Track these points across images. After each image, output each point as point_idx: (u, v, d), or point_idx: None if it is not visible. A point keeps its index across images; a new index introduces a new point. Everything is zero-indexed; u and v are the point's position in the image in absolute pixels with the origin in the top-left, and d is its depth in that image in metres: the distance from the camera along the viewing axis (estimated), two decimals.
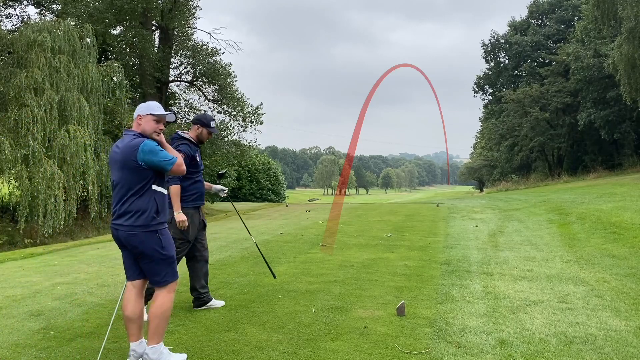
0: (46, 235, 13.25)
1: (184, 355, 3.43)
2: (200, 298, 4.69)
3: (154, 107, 3.41)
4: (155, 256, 3.28)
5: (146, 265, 3.31)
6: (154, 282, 3.35)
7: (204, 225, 4.76)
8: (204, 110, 24.77)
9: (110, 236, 12.86)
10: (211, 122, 4.67)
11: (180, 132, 4.62)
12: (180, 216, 4.36)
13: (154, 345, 3.28)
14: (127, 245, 3.31)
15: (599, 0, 23.62)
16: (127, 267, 3.42)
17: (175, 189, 4.35)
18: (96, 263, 7.68)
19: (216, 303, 4.76)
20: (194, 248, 4.68)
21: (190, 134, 4.61)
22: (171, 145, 4.23)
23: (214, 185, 5.03)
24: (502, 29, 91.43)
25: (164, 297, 3.33)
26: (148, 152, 3.22)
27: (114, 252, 8.98)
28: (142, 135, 3.34)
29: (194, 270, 4.73)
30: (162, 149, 3.33)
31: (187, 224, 4.39)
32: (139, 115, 3.38)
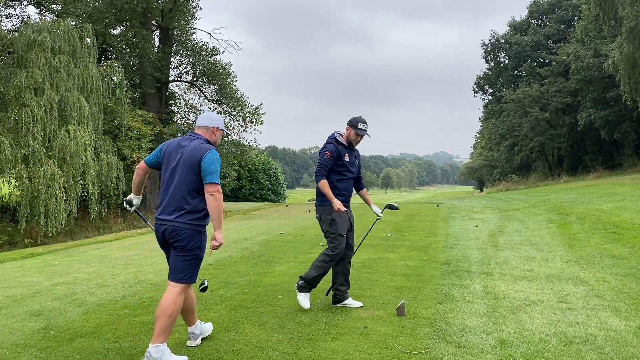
0: (49, 235, 13.26)
1: (185, 358, 3.44)
2: (335, 295, 4.75)
3: (223, 124, 3.76)
4: (191, 253, 3.40)
5: (178, 258, 3.41)
6: (174, 278, 3.41)
7: (352, 226, 4.78)
8: (204, 110, 24.71)
9: (110, 236, 12.88)
10: (359, 124, 4.61)
11: (337, 132, 4.74)
12: (337, 203, 4.48)
13: (158, 345, 3.29)
14: (171, 239, 3.39)
15: None
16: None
17: (322, 183, 4.56)
18: (96, 263, 7.68)
19: (352, 303, 4.72)
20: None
21: (344, 136, 4.70)
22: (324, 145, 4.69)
23: (373, 205, 4.97)
24: (502, 29, 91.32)
25: (175, 298, 3.37)
26: (215, 160, 3.41)
27: (114, 252, 8.98)
28: (210, 143, 3.59)
29: (336, 267, 4.77)
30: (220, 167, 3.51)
31: (343, 209, 4.48)
32: (217, 127, 3.66)
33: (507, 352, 3.50)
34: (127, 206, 3.86)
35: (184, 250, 3.39)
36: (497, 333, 3.91)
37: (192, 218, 3.39)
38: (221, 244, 3.40)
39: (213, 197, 3.34)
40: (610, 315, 4.35)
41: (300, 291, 4.61)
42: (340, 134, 4.71)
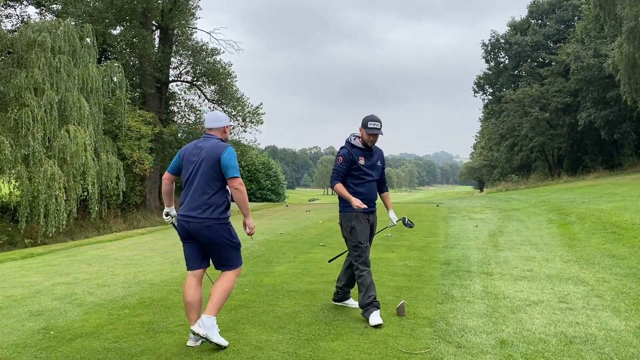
0: (49, 235, 13.26)
1: (226, 342, 3.66)
2: (337, 294, 4.73)
3: (229, 120, 4.06)
4: (227, 244, 3.73)
5: (218, 253, 3.75)
6: (226, 268, 3.77)
7: (372, 233, 4.55)
8: (204, 110, 24.65)
9: (110, 236, 12.88)
10: (369, 123, 4.35)
11: (352, 135, 4.53)
12: (355, 201, 4.28)
13: (210, 316, 3.60)
14: (197, 237, 3.68)
15: None
16: (190, 258, 3.79)
17: (337, 186, 4.43)
18: (96, 263, 7.68)
19: (353, 303, 4.62)
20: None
21: (360, 138, 4.48)
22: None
23: (391, 211, 4.78)
24: (502, 29, 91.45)
25: (232, 276, 3.77)
26: (233, 156, 3.72)
27: (114, 252, 8.98)
28: (223, 141, 3.89)
29: (344, 269, 4.68)
30: None
31: (363, 205, 4.27)
32: (228, 125, 3.98)
33: (507, 352, 3.50)
34: (167, 218, 4.07)
35: (216, 244, 3.70)
36: (497, 333, 3.91)
37: (215, 212, 3.66)
38: (254, 227, 3.82)
39: (238, 190, 3.67)
40: (610, 315, 4.35)
41: (366, 315, 4.22)
42: (356, 137, 4.51)
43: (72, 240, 13.35)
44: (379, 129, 4.37)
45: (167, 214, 4.06)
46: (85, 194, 14.38)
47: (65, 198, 13.26)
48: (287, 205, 22.47)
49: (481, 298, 4.98)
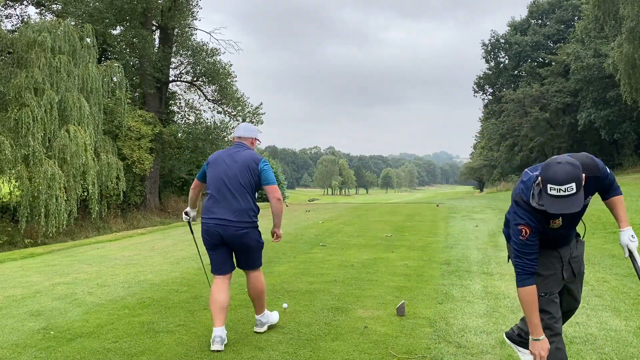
0: (49, 235, 13.26)
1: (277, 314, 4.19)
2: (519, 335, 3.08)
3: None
4: (256, 246, 3.89)
5: (247, 255, 3.87)
6: (251, 267, 3.93)
7: (574, 274, 2.88)
8: (204, 110, 24.58)
9: (110, 236, 12.88)
10: (549, 186, 2.38)
11: (537, 175, 2.53)
12: (535, 348, 2.65)
13: (262, 314, 3.99)
14: (232, 241, 3.74)
15: None
16: (221, 264, 3.83)
17: (524, 293, 2.64)
18: (96, 263, 7.68)
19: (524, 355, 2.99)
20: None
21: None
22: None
23: (624, 231, 3.01)
24: (502, 29, 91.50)
25: (260, 277, 3.98)
26: (268, 166, 3.89)
27: (114, 252, 8.97)
28: None
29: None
30: None
31: (543, 354, 2.60)
32: (256, 138, 4.08)
33: (507, 352, 3.50)
34: (185, 216, 4.32)
35: (248, 248, 3.83)
36: (497, 333, 3.91)
37: (252, 216, 3.81)
38: (281, 235, 4.14)
39: (280, 201, 3.86)
40: (610, 315, 4.34)
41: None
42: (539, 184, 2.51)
43: (72, 240, 13.35)
44: (573, 194, 2.37)
45: (187, 213, 4.28)
46: (86, 194, 14.40)
47: (65, 198, 13.26)
48: (287, 205, 22.46)
49: (481, 298, 4.98)
